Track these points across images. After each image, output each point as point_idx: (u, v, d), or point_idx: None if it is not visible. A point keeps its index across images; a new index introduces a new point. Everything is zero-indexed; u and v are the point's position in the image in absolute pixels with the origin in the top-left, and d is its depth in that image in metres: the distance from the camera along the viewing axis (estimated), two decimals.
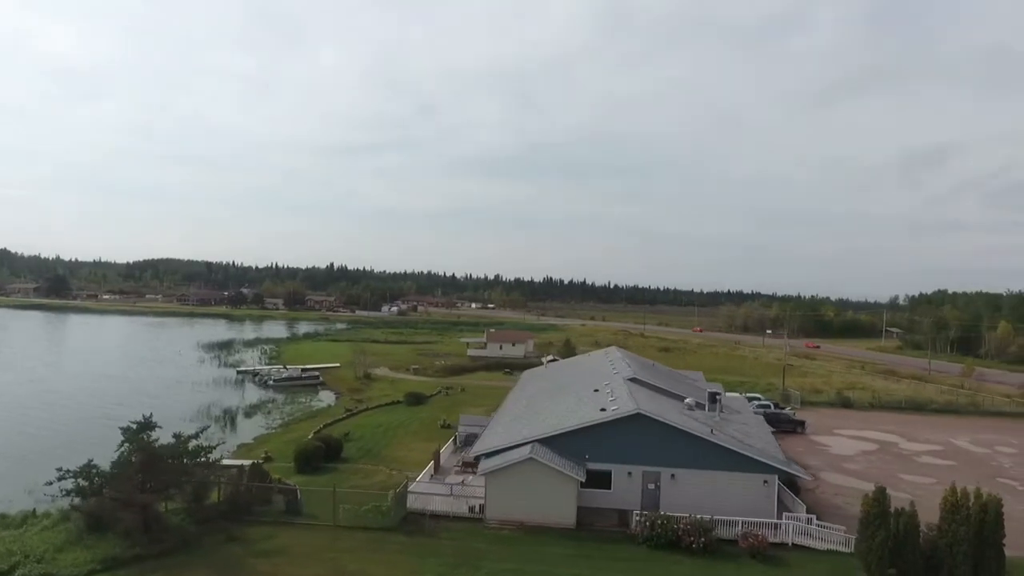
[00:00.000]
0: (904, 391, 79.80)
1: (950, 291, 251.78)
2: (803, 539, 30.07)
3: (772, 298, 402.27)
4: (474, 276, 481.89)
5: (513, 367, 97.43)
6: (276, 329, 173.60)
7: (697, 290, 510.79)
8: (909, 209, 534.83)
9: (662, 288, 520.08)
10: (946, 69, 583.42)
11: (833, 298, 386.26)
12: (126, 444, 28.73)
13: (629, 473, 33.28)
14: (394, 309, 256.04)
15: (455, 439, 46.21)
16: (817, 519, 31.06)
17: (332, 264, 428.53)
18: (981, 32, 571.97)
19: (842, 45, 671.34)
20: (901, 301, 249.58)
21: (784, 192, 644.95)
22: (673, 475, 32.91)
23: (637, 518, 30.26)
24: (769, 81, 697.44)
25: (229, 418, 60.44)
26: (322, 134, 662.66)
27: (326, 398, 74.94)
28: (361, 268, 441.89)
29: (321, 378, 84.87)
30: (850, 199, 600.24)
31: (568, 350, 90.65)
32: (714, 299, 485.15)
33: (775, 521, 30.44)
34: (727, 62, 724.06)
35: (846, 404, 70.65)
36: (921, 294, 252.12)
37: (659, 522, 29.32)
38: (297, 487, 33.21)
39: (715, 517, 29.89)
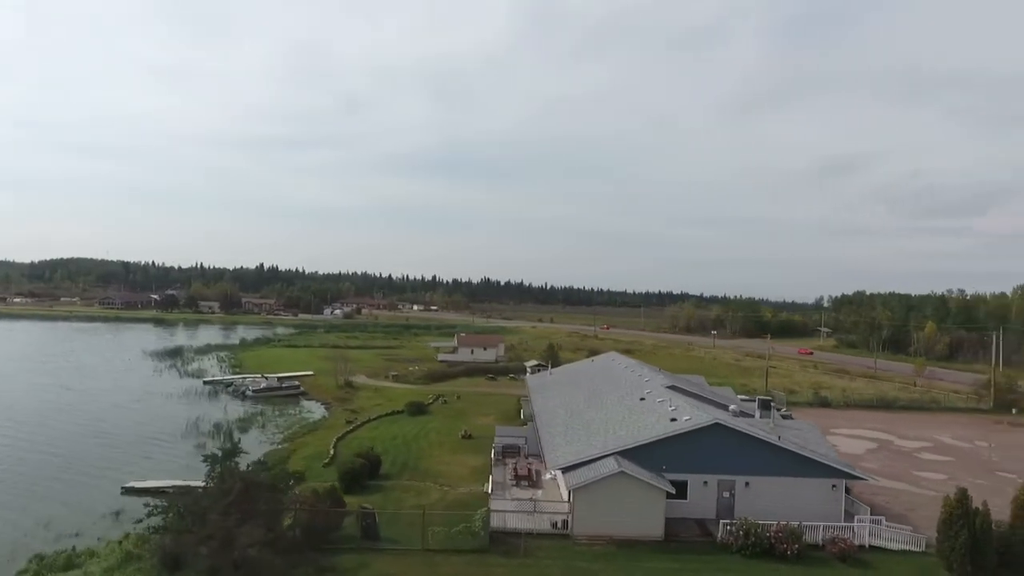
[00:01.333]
0: (867, 390, 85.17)
1: (867, 292, 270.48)
2: (878, 540, 31.55)
3: (701, 298, 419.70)
4: (411, 277, 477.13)
5: (488, 372, 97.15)
6: (215, 334, 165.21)
7: (630, 291, 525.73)
8: (825, 214, 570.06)
9: (596, 289, 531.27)
10: (859, 84, 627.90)
11: (756, 298, 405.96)
12: (214, 473, 26.58)
13: (705, 482, 33.93)
14: (338, 311, 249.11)
15: (493, 451, 45.61)
16: (886, 520, 32.72)
17: (263, 264, 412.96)
18: (893, 50, 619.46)
19: (764, 58, 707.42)
20: (825, 303, 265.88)
21: (712, 196, 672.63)
22: (747, 483, 33.82)
23: (728, 527, 30.87)
24: (697, 88, 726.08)
25: (224, 433, 56.68)
26: (246, 129, 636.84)
27: (315, 409, 72.10)
28: (294, 269, 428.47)
29: (301, 387, 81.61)
30: (773, 204, 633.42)
31: (552, 355, 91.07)
32: (646, 300, 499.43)
33: (854, 525, 31.78)
34: (658, 68, 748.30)
35: (824, 404, 74.65)
36: (843, 295, 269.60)
37: (753, 531, 30.02)
38: (375, 510, 31.79)
39: (803, 523, 30.95)
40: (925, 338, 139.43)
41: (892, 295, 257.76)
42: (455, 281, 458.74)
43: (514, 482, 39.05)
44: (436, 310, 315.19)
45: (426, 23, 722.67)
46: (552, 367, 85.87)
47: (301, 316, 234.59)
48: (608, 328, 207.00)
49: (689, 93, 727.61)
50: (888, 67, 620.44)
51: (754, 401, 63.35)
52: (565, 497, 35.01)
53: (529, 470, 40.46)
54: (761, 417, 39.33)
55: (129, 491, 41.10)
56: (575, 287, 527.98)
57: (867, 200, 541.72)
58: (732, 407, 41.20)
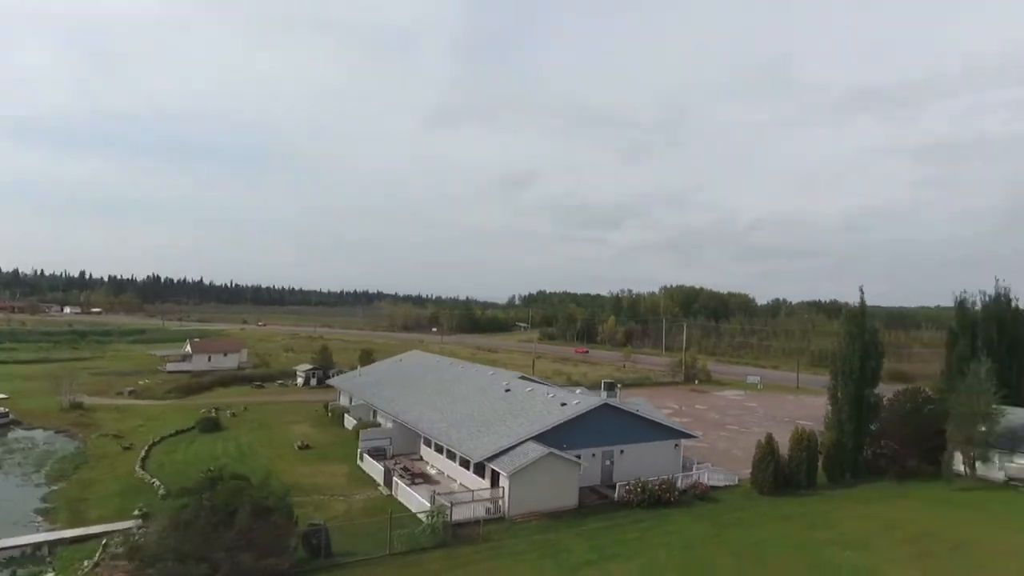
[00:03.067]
0: (596, 372, 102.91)
1: (547, 291, 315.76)
2: (712, 481, 41.41)
3: (396, 297, 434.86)
4: (49, 273, 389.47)
5: (239, 380, 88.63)
6: None
7: (323, 289, 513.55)
8: (508, 222, 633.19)
9: (288, 288, 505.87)
10: (533, 110, 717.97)
11: (446, 297, 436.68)
12: (204, 499, 22.01)
13: (593, 454, 39.76)
14: None
15: (360, 455, 44.66)
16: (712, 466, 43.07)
17: None
18: (557, 84, 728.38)
19: (458, 74, 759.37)
20: (517, 301, 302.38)
21: (413, 198, 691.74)
22: (622, 451, 40.79)
23: (626, 487, 37.20)
24: (400, 93, 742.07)
25: None
26: None
27: (50, 439, 57.57)
28: None
29: (11, 414, 63.63)
30: (468, 209, 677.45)
31: (326, 359, 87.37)
32: (341, 299, 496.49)
33: (701, 472, 41.17)
34: (357, 65, 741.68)
35: (576, 385, 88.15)
36: (529, 294, 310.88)
37: (646, 487, 36.92)
38: (326, 524, 29.54)
39: (674, 475, 39.04)
40: (608, 329, 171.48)
41: (566, 294, 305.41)
42: (113, 278, 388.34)
43: (410, 481, 39.35)
44: (100, 312, 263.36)
45: None
46: (327, 371, 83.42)
47: None
48: (264, 325, 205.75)
49: (392, 96, 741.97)
50: (554, 98, 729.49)
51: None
52: (472, 485, 37.30)
53: (421, 469, 41.17)
54: (608, 396, 46.94)
55: None
56: (263, 286, 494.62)
57: (538, 211, 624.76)
58: (578, 390, 48.11)
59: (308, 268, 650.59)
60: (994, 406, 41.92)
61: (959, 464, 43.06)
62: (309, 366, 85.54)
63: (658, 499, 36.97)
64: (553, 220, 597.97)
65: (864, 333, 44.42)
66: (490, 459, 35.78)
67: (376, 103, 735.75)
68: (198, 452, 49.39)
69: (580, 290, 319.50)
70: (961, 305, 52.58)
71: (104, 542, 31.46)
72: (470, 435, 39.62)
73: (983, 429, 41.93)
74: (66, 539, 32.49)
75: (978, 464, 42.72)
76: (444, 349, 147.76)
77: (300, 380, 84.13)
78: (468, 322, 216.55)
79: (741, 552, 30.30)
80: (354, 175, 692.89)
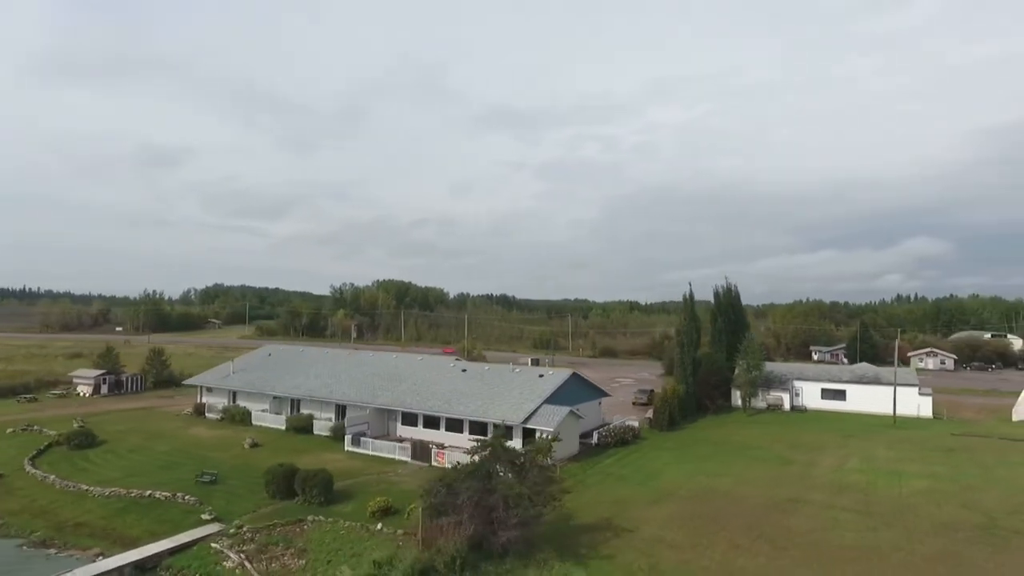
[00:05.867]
0: None
1: (225, 284, 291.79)
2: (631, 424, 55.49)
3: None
4: None
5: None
6: None
7: None
8: (149, 204, 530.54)
9: None
10: (186, 82, 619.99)
11: (77, 292, 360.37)
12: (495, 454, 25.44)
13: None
14: None
15: (354, 439, 46.00)
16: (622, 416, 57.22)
17: None
18: (220, 56, 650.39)
19: (69, 22, 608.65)
20: (193, 296, 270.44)
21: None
22: (578, 408, 51.78)
23: (602, 432, 48.68)
24: None
25: None
26: None
27: None
28: None
29: None
30: (90, 186, 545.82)
31: (111, 361, 72.78)
32: None
33: (622, 420, 54.76)
34: None
35: None
36: (207, 288, 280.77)
37: (616, 432, 49.05)
38: None
39: (624, 422, 51.89)
40: (339, 323, 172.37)
41: (246, 288, 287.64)
42: None
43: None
44: None
45: None
46: (119, 376, 71.93)
47: None
48: None
49: None
50: (212, 73, 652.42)
51: None
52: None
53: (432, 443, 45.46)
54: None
55: None
56: None
57: (187, 195, 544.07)
58: (520, 361, 57.06)
59: None
60: (759, 361, 66.10)
61: (741, 400, 66.27)
62: (97, 372, 71.18)
63: (621, 440, 49.55)
64: (204, 206, 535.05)
65: (695, 315, 64.42)
66: (525, 421, 43.29)
67: None
68: (131, 464, 42.93)
69: (247, 283, 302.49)
70: (716, 296, 77.83)
71: (213, 546, 29.97)
72: (482, 407, 45.80)
73: (752, 376, 65.71)
74: (164, 551, 29.54)
75: (751, 399, 66.56)
76: (180, 349, 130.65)
77: (86, 389, 69.68)
78: (156, 319, 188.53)
79: (711, 456, 45.06)
80: None
